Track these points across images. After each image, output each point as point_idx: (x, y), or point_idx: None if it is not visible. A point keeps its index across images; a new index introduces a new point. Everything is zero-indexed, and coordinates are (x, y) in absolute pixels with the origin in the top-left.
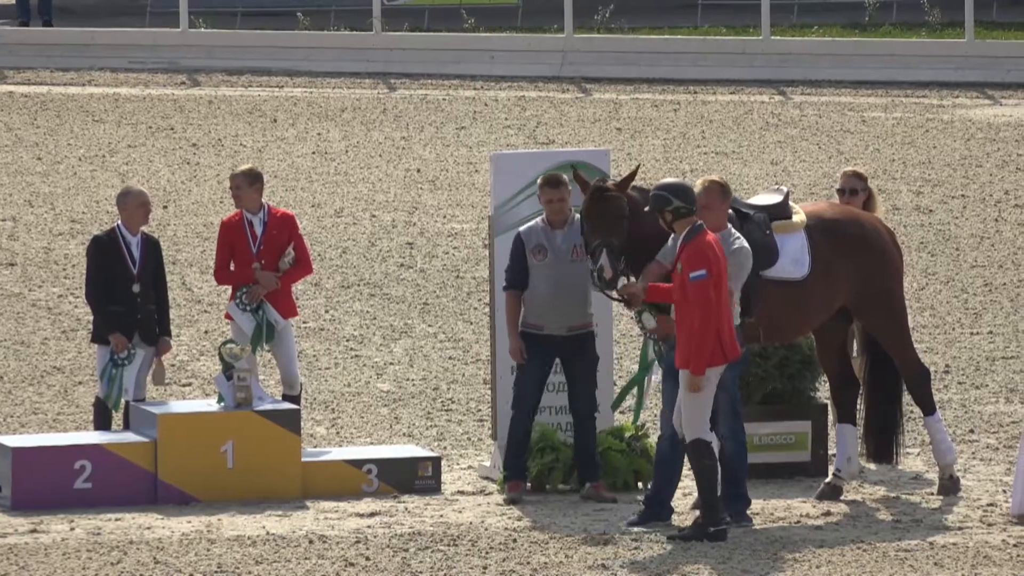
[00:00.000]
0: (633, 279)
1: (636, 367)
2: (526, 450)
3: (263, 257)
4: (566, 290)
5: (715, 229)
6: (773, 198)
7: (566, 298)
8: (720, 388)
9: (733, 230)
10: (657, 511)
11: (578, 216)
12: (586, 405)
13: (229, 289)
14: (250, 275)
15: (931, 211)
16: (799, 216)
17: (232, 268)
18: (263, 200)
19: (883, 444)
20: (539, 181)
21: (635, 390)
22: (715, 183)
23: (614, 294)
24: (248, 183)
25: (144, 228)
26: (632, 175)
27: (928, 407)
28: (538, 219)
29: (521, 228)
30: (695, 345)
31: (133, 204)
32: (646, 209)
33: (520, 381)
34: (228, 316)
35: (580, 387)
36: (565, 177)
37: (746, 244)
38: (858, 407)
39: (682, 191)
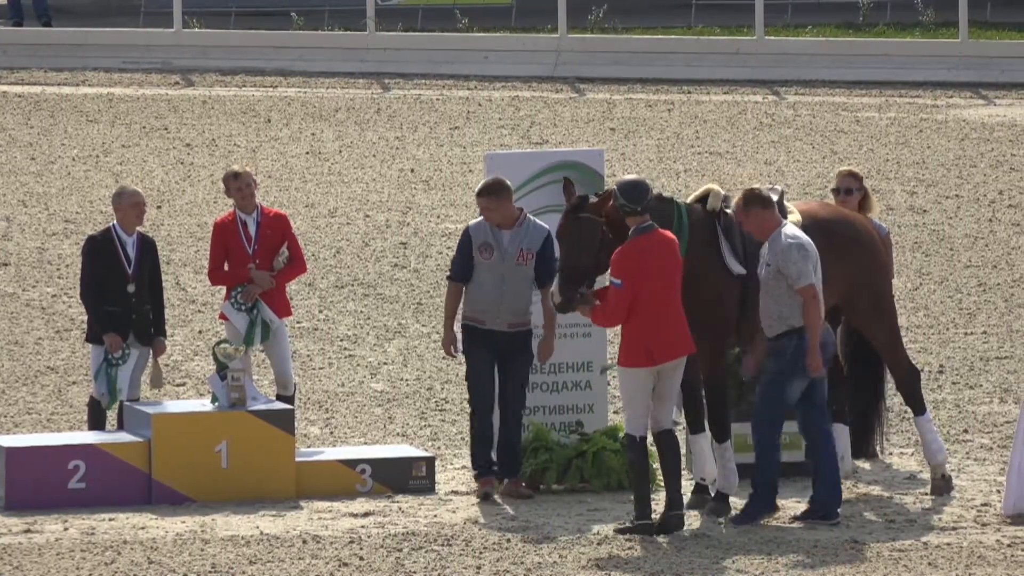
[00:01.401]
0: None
1: None
2: (491, 447)
3: (258, 257)
4: (510, 290)
5: (759, 236)
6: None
7: (509, 297)
8: (761, 381)
9: (783, 232)
10: (822, 511)
11: (529, 216)
12: (518, 401)
13: (223, 289)
14: (245, 275)
15: (925, 211)
16: (794, 216)
17: (226, 268)
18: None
19: (865, 441)
20: (477, 189)
21: None
22: (742, 195)
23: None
24: (254, 183)
25: (139, 228)
26: (607, 197)
27: (918, 407)
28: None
29: (471, 223)
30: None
31: (127, 204)
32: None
33: (473, 378)
34: (223, 316)
35: (513, 383)
36: (503, 182)
37: (791, 241)
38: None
39: (630, 189)
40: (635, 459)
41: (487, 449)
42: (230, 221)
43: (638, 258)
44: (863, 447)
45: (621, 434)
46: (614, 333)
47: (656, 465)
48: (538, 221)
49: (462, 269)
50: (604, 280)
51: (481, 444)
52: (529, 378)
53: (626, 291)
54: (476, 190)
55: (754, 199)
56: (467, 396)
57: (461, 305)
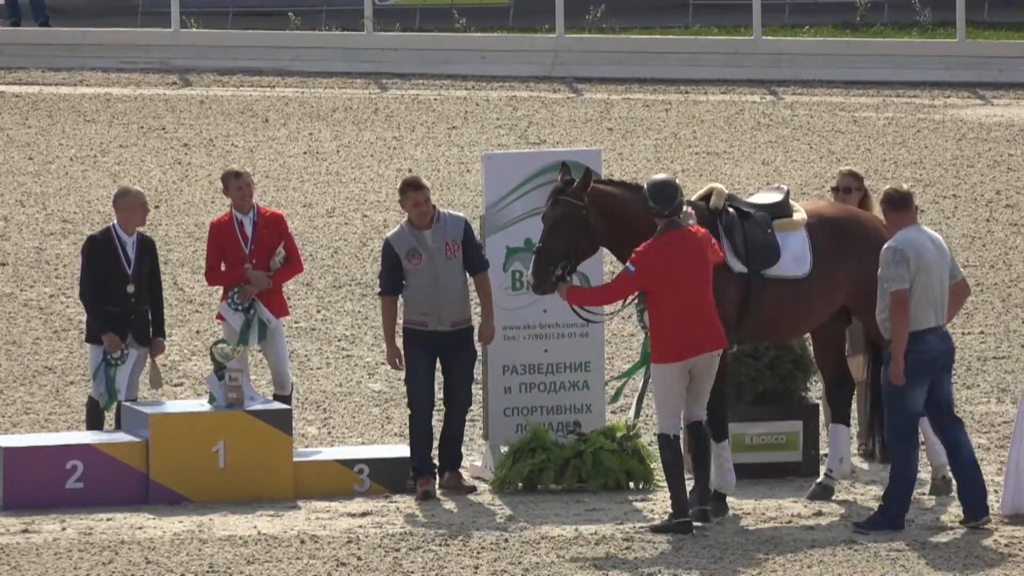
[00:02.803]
0: (577, 281)
1: (628, 367)
2: (431, 447)
3: (255, 257)
4: (446, 288)
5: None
6: (774, 197)
7: (446, 295)
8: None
9: (904, 232)
10: (884, 520)
11: (441, 211)
12: (464, 396)
13: (220, 289)
14: (242, 275)
15: (922, 211)
16: (799, 214)
17: (223, 268)
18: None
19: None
20: (400, 187)
21: (636, 386)
22: (884, 195)
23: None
24: (253, 183)
25: (138, 228)
26: (585, 181)
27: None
28: (403, 224)
29: (388, 234)
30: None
31: (131, 204)
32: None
33: (412, 380)
34: (220, 317)
35: (460, 379)
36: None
37: (889, 244)
38: (852, 407)
39: (658, 191)
40: (670, 458)
41: (427, 450)
42: (226, 221)
43: (662, 254)
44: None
45: (619, 434)
46: (611, 333)
47: (655, 464)
48: (452, 212)
49: (393, 282)
50: (591, 265)
51: (420, 445)
52: (474, 375)
53: (634, 280)
54: (403, 187)
55: (893, 200)
56: (406, 399)
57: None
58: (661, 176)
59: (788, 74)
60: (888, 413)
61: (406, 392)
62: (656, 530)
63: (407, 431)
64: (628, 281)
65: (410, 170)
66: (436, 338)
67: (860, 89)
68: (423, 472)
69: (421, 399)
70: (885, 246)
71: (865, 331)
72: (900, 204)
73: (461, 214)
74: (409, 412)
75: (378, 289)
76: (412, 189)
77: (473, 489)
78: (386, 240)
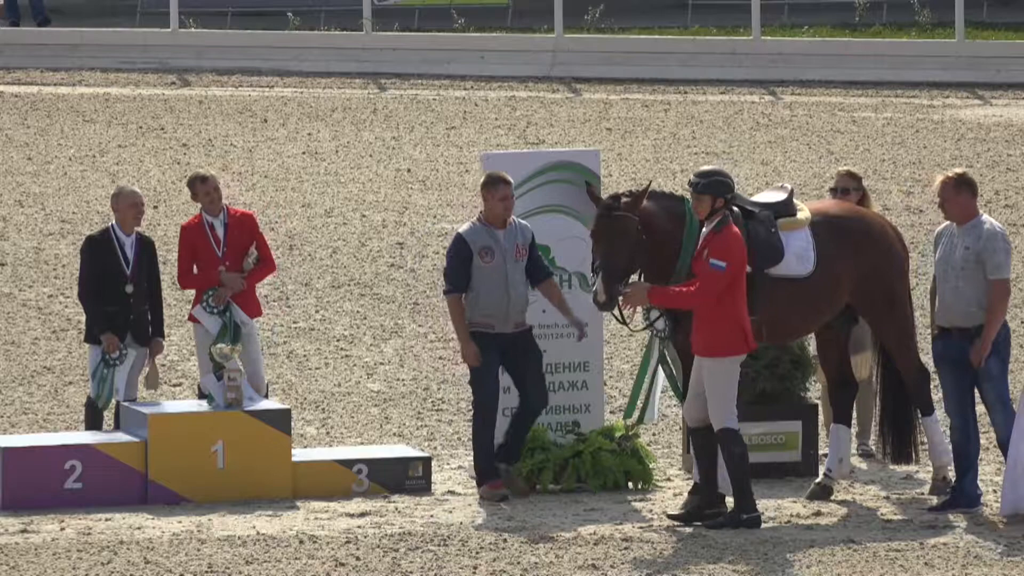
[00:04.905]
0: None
1: (626, 366)
2: (494, 452)
3: (228, 259)
4: (514, 290)
5: (960, 220)
6: (777, 196)
7: (514, 297)
8: (987, 379)
9: (987, 219)
10: (962, 499)
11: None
12: (541, 400)
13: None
14: (215, 278)
15: (921, 211)
16: (803, 213)
17: (196, 271)
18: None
19: (902, 445)
20: (488, 180)
21: (646, 390)
22: (948, 179)
23: (616, 313)
24: (220, 186)
25: (136, 228)
26: (644, 193)
27: (927, 407)
28: (474, 221)
29: (461, 229)
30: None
31: (124, 204)
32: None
33: (482, 382)
34: (192, 318)
35: (533, 382)
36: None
37: (998, 230)
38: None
39: (725, 179)
40: (741, 452)
41: (493, 456)
42: (197, 224)
43: (740, 244)
44: (903, 454)
45: (618, 434)
46: (610, 334)
47: (654, 465)
48: (517, 219)
49: (462, 279)
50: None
51: (488, 449)
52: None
53: (727, 275)
54: (492, 181)
55: (968, 183)
56: (471, 400)
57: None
58: (710, 167)
59: (787, 74)
60: (997, 401)
61: (473, 394)
62: (714, 527)
63: (405, 431)
64: (720, 277)
65: (409, 170)
66: (501, 340)
67: (859, 89)
68: (491, 476)
69: (490, 403)
70: (994, 230)
71: (872, 331)
72: (976, 188)
73: (528, 224)
74: (475, 415)
75: (444, 287)
76: (502, 183)
77: (528, 492)
78: (458, 235)
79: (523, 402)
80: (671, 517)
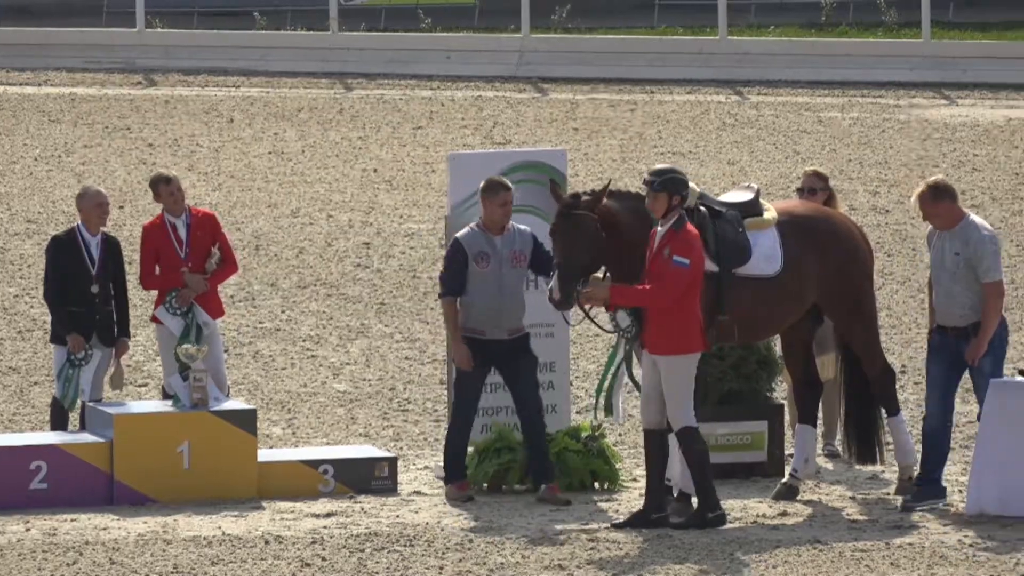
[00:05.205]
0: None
1: (592, 367)
2: (466, 454)
3: (191, 260)
4: (508, 296)
5: (945, 227)
6: (744, 195)
7: (508, 304)
8: (980, 377)
9: (975, 222)
10: (932, 490)
11: (512, 223)
12: (535, 404)
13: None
14: (179, 279)
15: (888, 211)
16: (770, 213)
17: (158, 272)
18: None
19: (866, 445)
20: (488, 185)
21: (607, 386)
22: (923, 192)
23: (571, 315)
24: (182, 187)
25: (103, 228)
26: (603, 191)
27: (892, 407)
28: (473, 225)
29: (459, 234)
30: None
31: (88, 204)
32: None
33: (462, 387)
34: (155, 319)
35: (525, 387)
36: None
37: (986, 233)
38: (819, 409)
39: (680, 178)
40: (701, 449)
41: (463, 458)
42: (159, 224)
43: (699, 242)
44: (867, 454)
45: (584, 434)
46: (577, 333)
47: (620, 465)
48: (519, 225)
49: (457, 283)
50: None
51: (458, 453)
52: (539, 380)
53: (689, 272)
54: (493, 186)
55: (943, 189)
56: (449, 403)
57: None
58: (665, 165)
59: (753, 74)
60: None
61: (454, 398)
62: (680, 527)
63: (372, 432)
64: (684, 274)
65: (375, 170)
66: (493, 347)
67: (825, 89)
68: (458, 476)
69: (466, 410)
70: (983, 234)
71: (836, 331)
72: (956, 195)
73: (528, 228)
74: (452, 417)
75: (439, 290)
76: (502, 189)
77: (568, 503)
78: (455, 239)
79: (521, 415)
80: (616, 527)
